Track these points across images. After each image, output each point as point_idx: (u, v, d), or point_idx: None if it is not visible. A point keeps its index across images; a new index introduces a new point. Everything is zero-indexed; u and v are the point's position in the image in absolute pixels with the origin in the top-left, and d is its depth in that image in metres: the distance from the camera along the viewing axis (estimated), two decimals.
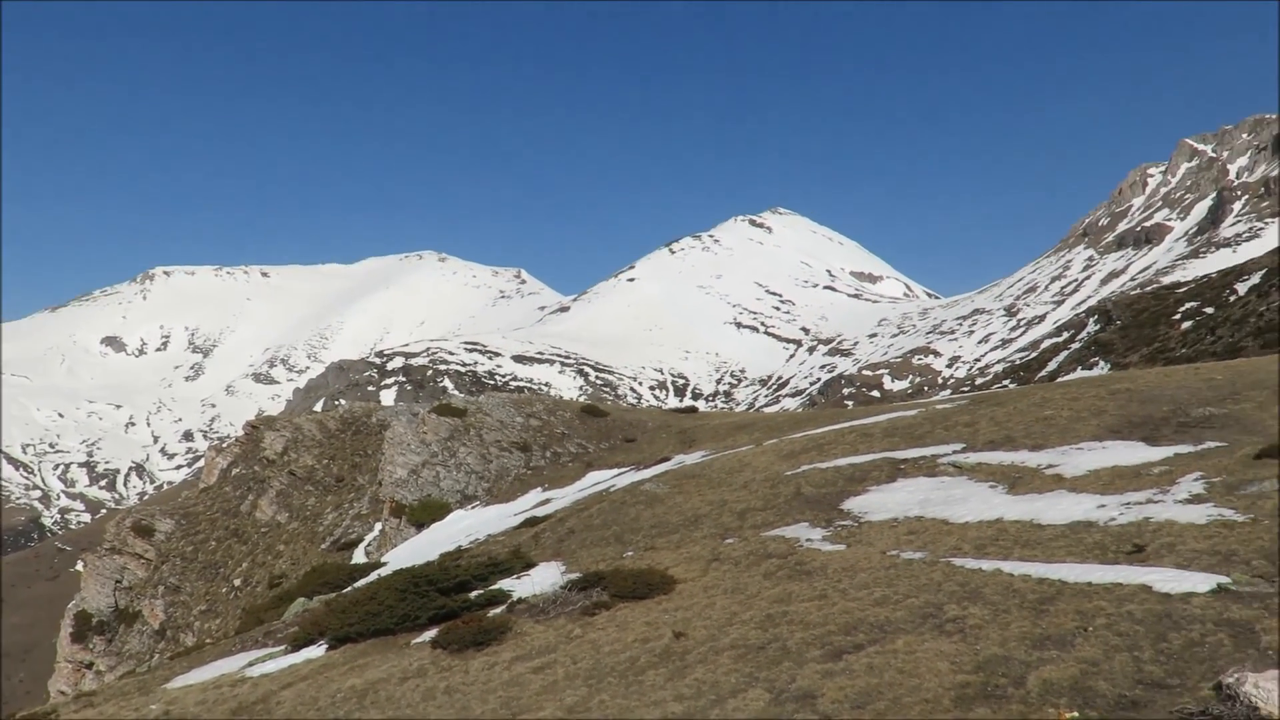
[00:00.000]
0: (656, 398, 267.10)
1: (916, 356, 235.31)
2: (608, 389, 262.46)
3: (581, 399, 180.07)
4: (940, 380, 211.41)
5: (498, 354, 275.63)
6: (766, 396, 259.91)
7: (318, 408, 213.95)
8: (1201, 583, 9.29)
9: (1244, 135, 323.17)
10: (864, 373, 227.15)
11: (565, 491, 30.83)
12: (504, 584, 16.52)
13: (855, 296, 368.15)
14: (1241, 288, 70.60)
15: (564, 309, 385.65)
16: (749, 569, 13.85)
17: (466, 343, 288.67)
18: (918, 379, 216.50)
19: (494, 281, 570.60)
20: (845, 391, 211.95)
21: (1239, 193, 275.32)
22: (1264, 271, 70.71)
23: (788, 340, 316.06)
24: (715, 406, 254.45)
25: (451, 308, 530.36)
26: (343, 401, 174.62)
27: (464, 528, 30.14)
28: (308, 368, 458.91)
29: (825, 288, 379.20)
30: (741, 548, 15.32)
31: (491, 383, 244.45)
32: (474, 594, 15.95)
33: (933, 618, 9.81)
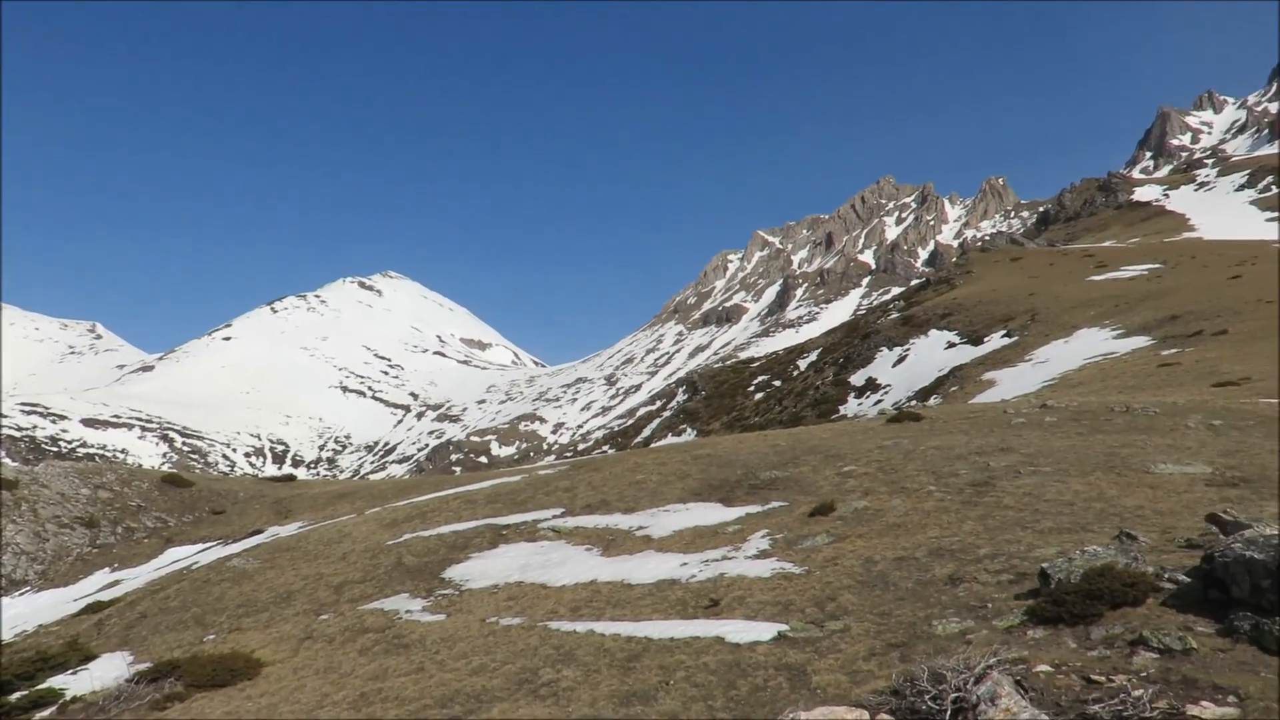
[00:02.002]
0: (253, 465, 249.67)
1: (524, 423, 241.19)
2: (197, 456, 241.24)
3: (165, 467, 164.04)
4: (546, 446, 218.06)
5: (64, 416, 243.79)
6: (373, 463, 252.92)
7: None
8: (766, 631, 10.24)
9: (804, 231, 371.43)
10: (472, 439, 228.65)
11: (139, 571, 27.75)
12: (56, 681, 14.41)
13: (465, 363, 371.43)
14: (802, 364, 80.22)
15: (147, 368, 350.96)
16: (344, 646, 13.23)
17: (24, 404, 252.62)
18: (525, 445, 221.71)
19: (62, 335, 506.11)
20: (454, 457, 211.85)
21: (800, 280, 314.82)
22: (820, 350, 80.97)
23: (396, 405, 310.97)
24: (318, 474, 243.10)
25: (5, 363, 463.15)
26: None
27: (7, 619, 26.03)
28: None
29: (435, 353, 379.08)
30: (337, 624, 14.60)
31: (55, 449, 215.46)
32: (15, 696, 13.74)
33: (528, 683, 9.92)
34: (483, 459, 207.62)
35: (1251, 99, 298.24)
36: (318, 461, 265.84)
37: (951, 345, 58.05)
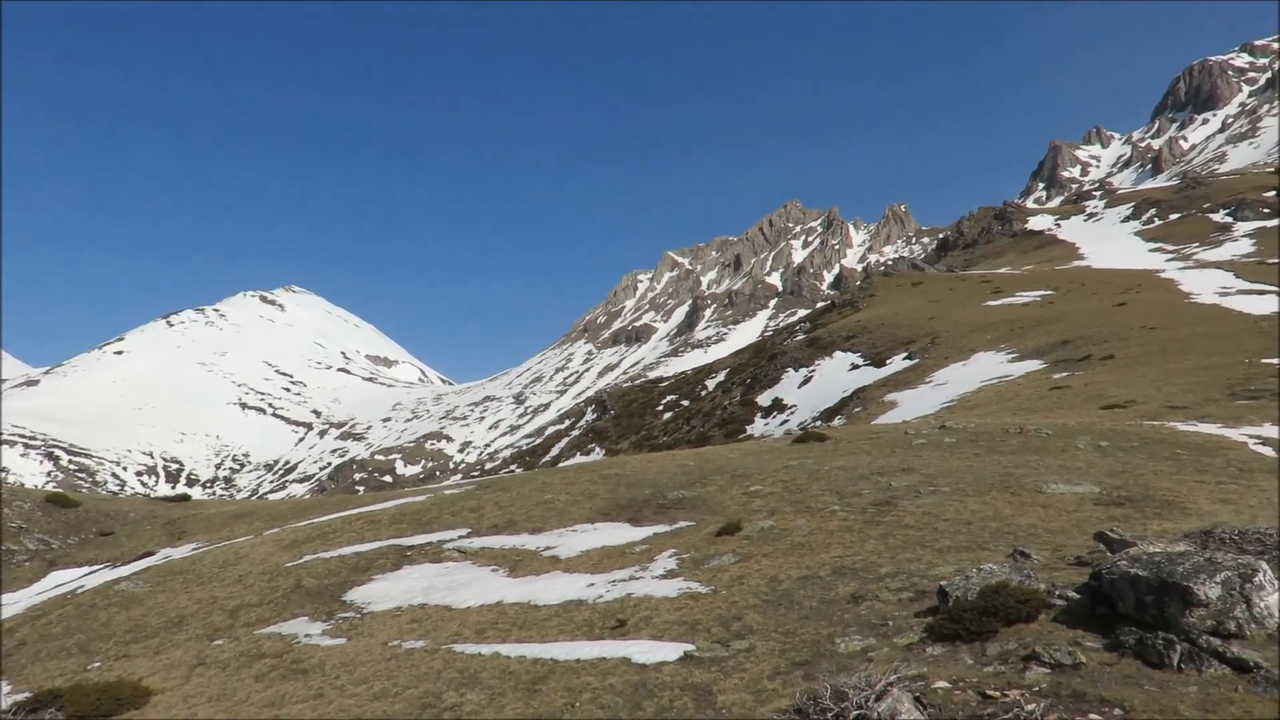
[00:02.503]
0: (145, 485, 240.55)
1: (430, 441, 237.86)
2: (84, 475, 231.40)
3: (50, 486, 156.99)
4: (452, 465, 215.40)
5: None
6: (272, 482, 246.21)
7: None
8: (672, 652, 10.26)
9: (713, 252, 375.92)
10: (377, 457, 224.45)
11: (19, 596, 26.40)
12: None
13: (370, 380, 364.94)
14: (710, 384, 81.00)
15: (32, 382, 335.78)
16: (239, 672, 12.80)
17: None
18: (431, 464, 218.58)
19: None
20: (357, 476, 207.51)
21: (709, 301, 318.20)
22: (727, 370, 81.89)
23: (298, 423, 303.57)
24: (214, 494, 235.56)
25: None
26: None
27: None
28: None
29: (340, 370, 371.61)
30: (232, 649, 14.13)
31: None
32: None
33: (431, 708, 9.74)
34: (387, 478, 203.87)
35: (1136, 135, 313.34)
36: (214, 481, 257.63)
37: (855, 367, 59.29)
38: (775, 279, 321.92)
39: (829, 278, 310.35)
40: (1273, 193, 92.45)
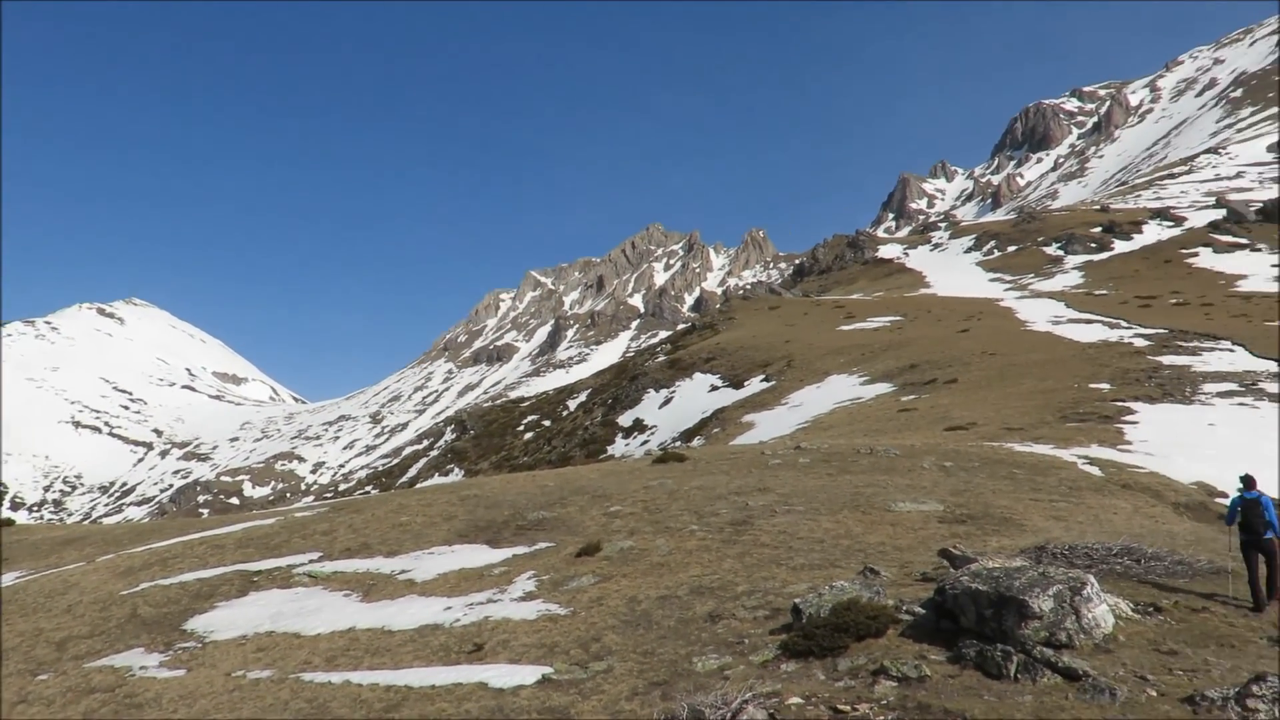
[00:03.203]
0: None
1: (281, 462, 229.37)
2: None
3: None
4: (304, 487, 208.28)
5: None
6: (108, 505, 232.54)
7: None
8: (530, 675, 10.14)
9: (576, 273, 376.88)
10: (223, 479, 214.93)
11: None
12: None
13: (218, 398, 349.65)
14: (572, 404, 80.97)
15: None
16: (65, 709, 11.99)
17: None
18: (281, 485, 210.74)
19: None
20: (201, 499, 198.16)
21: (572, 321, 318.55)
22: (589, 391, 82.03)
23: (137, 443, 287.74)
24: (41, 519, 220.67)
25: None
26: None
27: None
28: None
29: (184, 387, 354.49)
30: (59, 684, 13.22)
31: None
32: None
33: None
34: (234, 500, 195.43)
35: (978, 170, 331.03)
36: (42, 504, 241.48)
37: (715, 388, 60.31)
38: (637, 300, 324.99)
39: (690, 300, 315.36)
40: (1099, 229, 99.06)
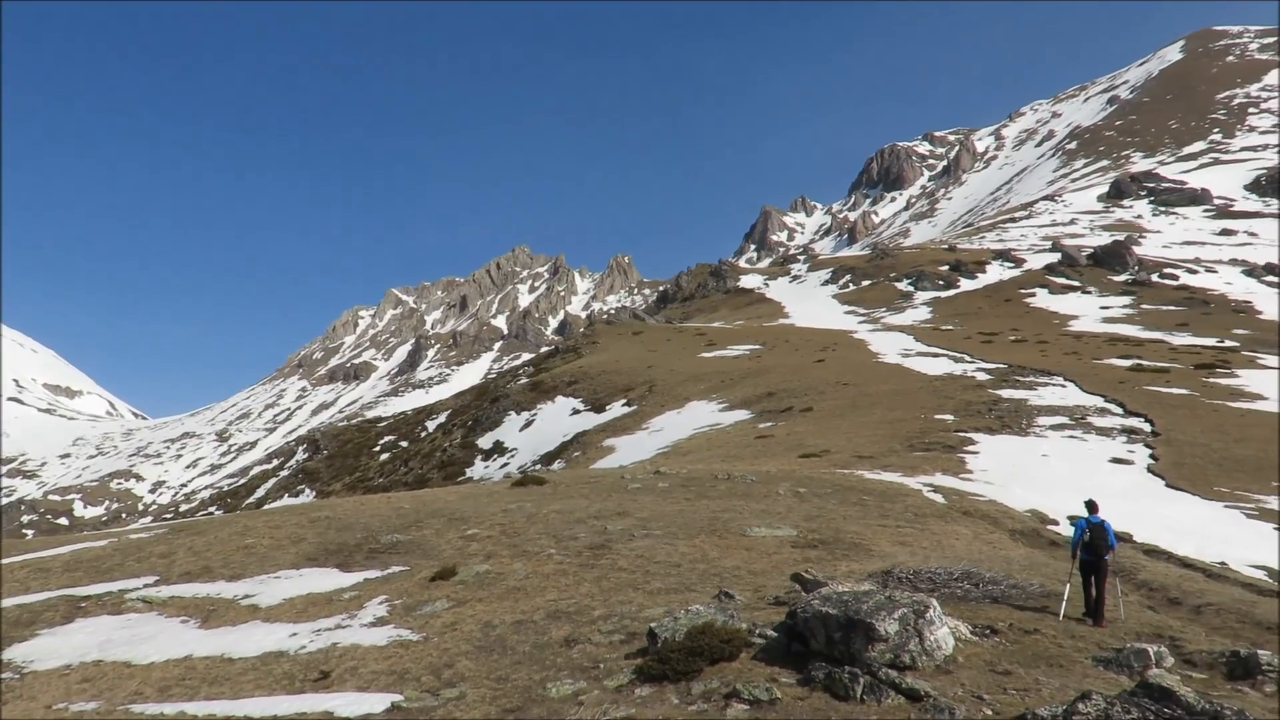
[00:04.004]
0: None
1: (116, 480, 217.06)
2: None
3: None
4: (142, 507, 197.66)
5: None
6: None
7: None
8: (378, 703, 9.84)
9: (439, 292, 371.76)
10: (51, 497, 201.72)
11: None
12: None
13: (48, 411, 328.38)
14: (431, 425, 79.49)
15: None
16: None
17: None
18: (117, 505, 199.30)
19: None
20: (26, 519, 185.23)
21: (433, 341, 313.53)
22: (449, 412, 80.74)
23: None
24: None
25: None
26: None
27: None
28: None
29: (10, 399, 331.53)
30: None
31: None
32: None
33: None
34: (63, 521, 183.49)
35: (835, 206, 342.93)
36: None
37: (577, 412, 60.27)
38: (501, 322, 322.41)
39: (554, 323, 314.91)
40: (946, 267, 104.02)
